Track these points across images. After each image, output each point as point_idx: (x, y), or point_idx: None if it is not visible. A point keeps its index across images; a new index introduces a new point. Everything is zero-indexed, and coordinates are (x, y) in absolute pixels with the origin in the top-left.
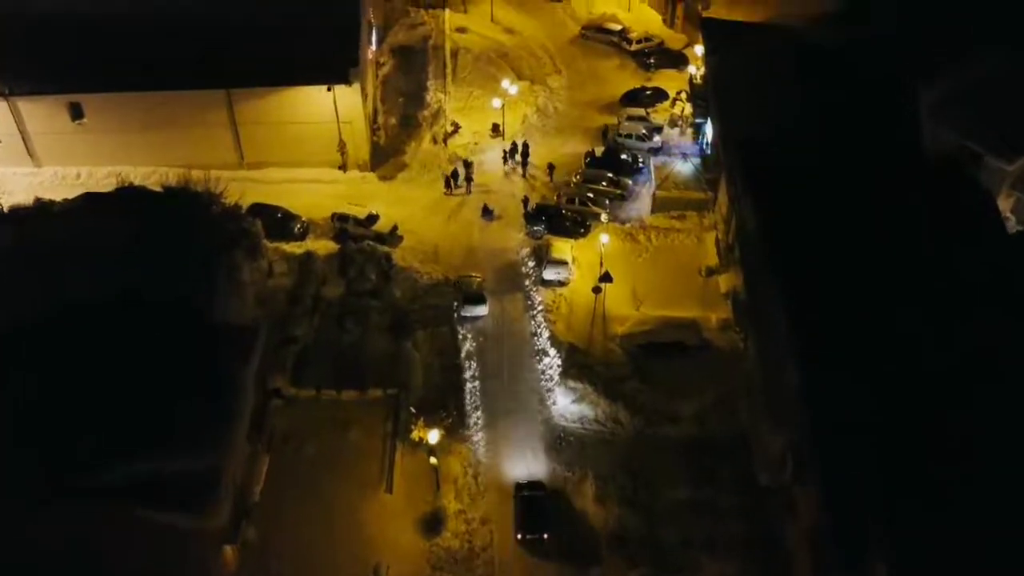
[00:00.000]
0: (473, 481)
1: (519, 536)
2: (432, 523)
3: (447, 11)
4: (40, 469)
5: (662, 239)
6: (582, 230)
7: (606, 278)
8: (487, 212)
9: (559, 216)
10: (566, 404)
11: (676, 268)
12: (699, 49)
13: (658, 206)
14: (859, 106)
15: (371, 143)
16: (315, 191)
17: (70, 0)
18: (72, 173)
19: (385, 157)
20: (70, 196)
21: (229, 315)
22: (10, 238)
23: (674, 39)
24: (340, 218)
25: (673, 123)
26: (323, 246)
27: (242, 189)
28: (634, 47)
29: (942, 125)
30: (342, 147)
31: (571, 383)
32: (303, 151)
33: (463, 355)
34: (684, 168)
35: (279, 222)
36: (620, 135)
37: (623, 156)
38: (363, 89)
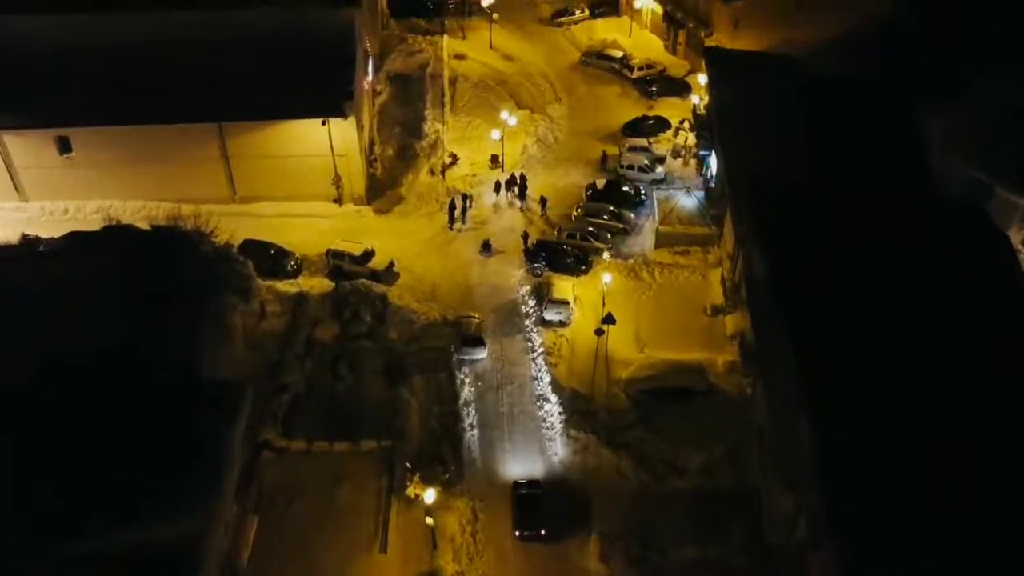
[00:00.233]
0: (471, 539)
1: (517, 533)
2: None
3: (445, 37)
4: (8, 536)
5: (666, 276)
6: (583, 267)
7: (609, 320)
8: (486, 248)
9: (560, 253)
10: (568, 455)
11: (681, 307)
12: (702, 78)
13: (661, 241)
14: (868, 140)
15: (367, 175)
16: (309, 226)
17: (57, 32)
18: (60, 208)
19: (381, 190)
20: (57, 232)
21: (218, 366)
22: None
23: (676, 66)
24: (335, 255)
25: (676, 153)
26: (317, 283)
27: (234, 224)
28: (636, 74)
29: (953, 156)
30: (337, 181)
31: (573, 432)
32: (297, 185)
33: (461, 402)
34: (688, 202)
35: (272, 259)
36: (622, 166)
37: (625, 188)
38: (359, 121)
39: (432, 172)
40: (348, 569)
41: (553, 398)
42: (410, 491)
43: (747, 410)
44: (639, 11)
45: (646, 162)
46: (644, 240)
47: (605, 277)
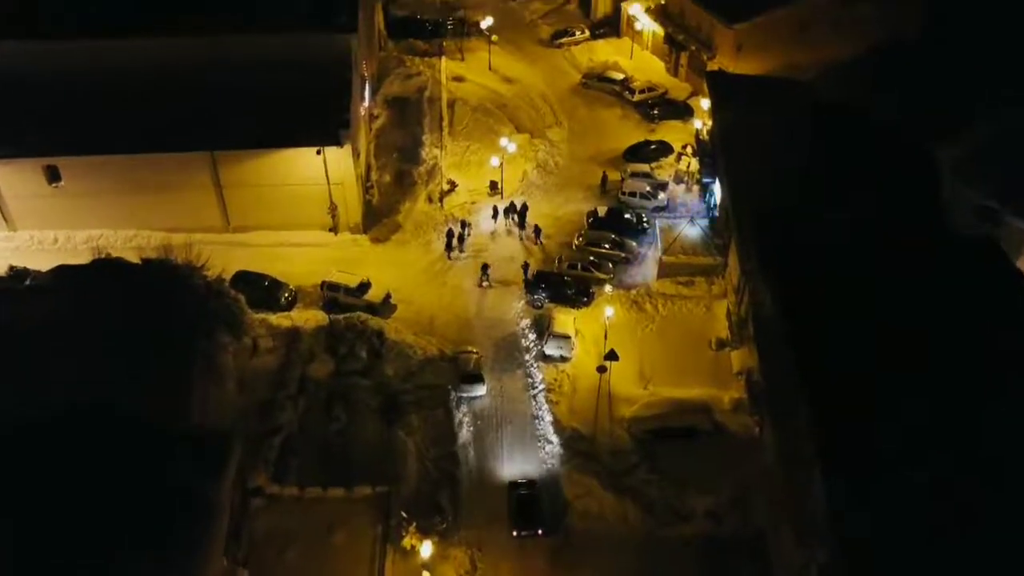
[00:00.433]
0: None
1: (515, 533)
2: None
3: (443, 59)
4: None
5: (669, 307)
6: (585, 299)
7: (611, 356)
8: (485, 272)
9: (560, 284)
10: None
11: (685, 340)
12: (705, 102)
13: (665, 271)
14: (877, 169)
15: (364, 202)
16: (304, 255)
17: (45, 59)
18: (49, 237)
19: (378, 217)
20: (46, 262)
21: (208, 409)
22: None
23: (678, 88)
24: (330, 287)
25: (679, 179)
26: (312, 316)
27: (227, 254)
28: (637, 97)
29: (962, 183)
30: (333, 209)
31: (575, 476)
32: (292, 214)
33: (459, 443)
34: (692, 231)
35: (265, 291)
36: (623, 193)
37: (627, 215)
38: (355, 148)
39: (430, 199)
40: None
41: (554, 439)
42: (406, 542)
43: (754, 451)
44: (640, 32)
45: (648, 189)
46: (647, 270)
47: (607, 311)
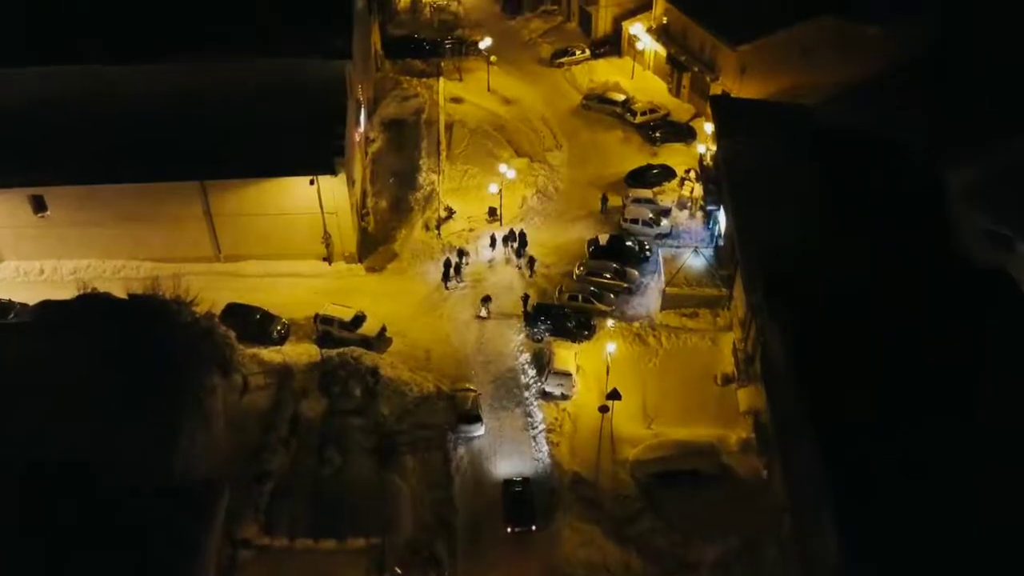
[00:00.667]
0: None
1: (508, 529)
2: None
3: (441, 80)
4: None
5: (673, 341)
6: (586, 332)
7: (614, 395)
8: (486, 308)
9: (561, 317)
10: (571, 551)
11: (689, 375)
12: (708, 126)
13: (668, 303)
14: (886, 197)
15: (359, 230)
16: (297, 286)
17: (30, 86)
18: (35, 268)
19: (374, 245)
20: (32, 293)
21: (195, 455)
22: None
23: (680, 110)
24: (324, 320)
25: (682, 205)
26: (304, 351)
27: (218, 284)
28: (638, 119)
29: (973, 209)
30: (327, 239)
31: (576, 524)
32: (285, 243)
33: (456, 487)
34: (696, 262)
35: (257, 325)
36: (625, 220)
37: (628, 243)
38: (350, 176)
39: (427, 227)
40: None
41: (555, 484)
42: None
43: (763, 495)
44: (642, 52)
45: (651, 216)
46: (649, 300)
47: (609, 347)
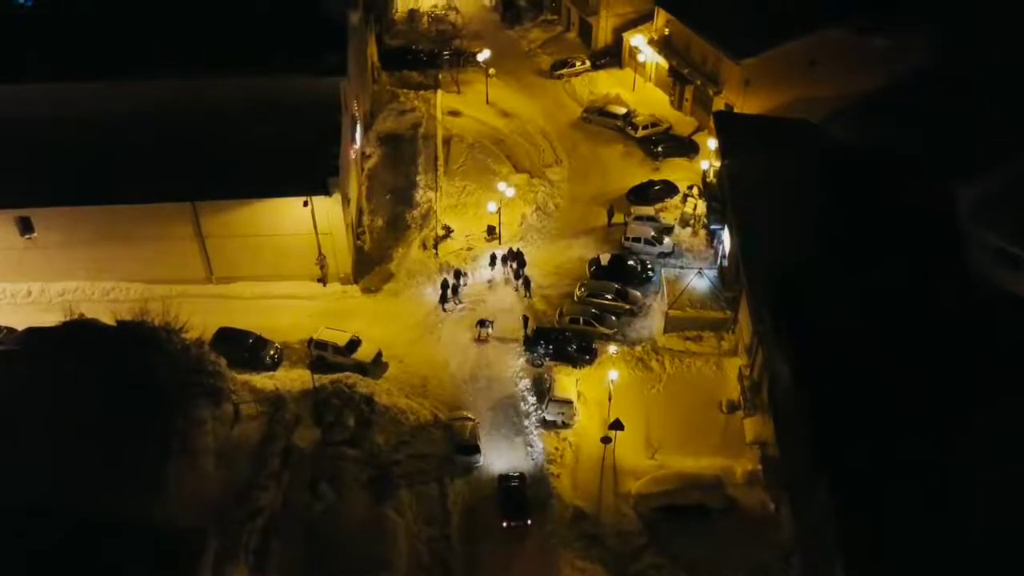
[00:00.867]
0: None
1: (504, 524)
2: None
3: (439, 93)
4: None
5: (677, 365)
6: (587, 356)
7: (616, 426)
8: (486, 331)
9: (561, 341)
10: None
11: (693, 402)
12: (712, 142)
13: (671, 326)
14: (897, 219)
15: (355, 249)
16: (291, 308)
17: (15, 105)
18: (22, 290)
19: (370, 265)
20: (19, 316)
21: (183, 494)
22: None
23: (683, 123)
24: (317, 345)
25: (685, 223)
26: (298, 376)
27: (210, 307)
28: (640, 133)
29: (984, 226)
30: (321, 260)
31: (578, 563)
32: (278, 264)
33: (454, 523)
34: (699, 283)
35: (249, 349)
36: (627, 238)
37: (630, 262)
38: (345, 195)
39: (424, 246)
40: None
41: (555, 518)
42: None
43: (770, 530)
44: (643, 64)
45: (653, 234)
46: (652, 323)
47: (611, 374)
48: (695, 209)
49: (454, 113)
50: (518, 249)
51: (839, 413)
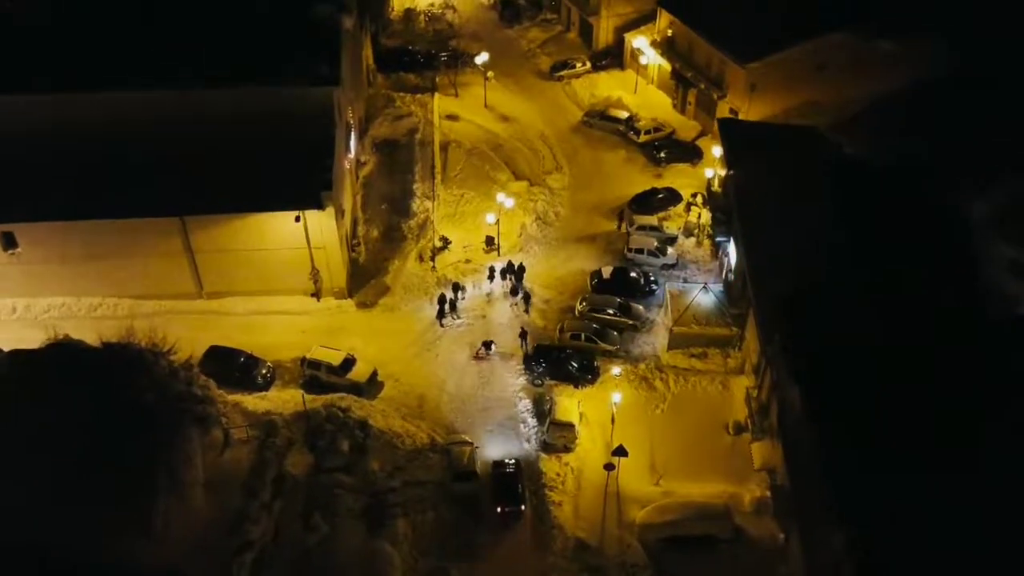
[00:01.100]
0: None
1: (498, 510)
2: None
3: (436, 96)
4: None
5: (682, 384)
6: (589, 376)
7: (620, 452)
8: (487, 351)
9: (562, 360)
10: None
11: (699, 423)
12: (717, 149)
13: (676, 343)
14: (909, 232)
15: (350, 261)
16: (284, 324)
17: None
18: (7, 306)
19: (365, 278)
20: (3, 334)
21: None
22: None
23: (686, 127)
24: (311, 364)
25: (688, 232)
26: (290, 397)
27: (200, 323)
28: (642, 138)
29: (996, 238)
30: (315, 275)
31: None
32: (271, 279)
33: (452, 555)
34: (705, 299)
35: (241, 368)
36: (630, 250)
37: (632, 274)
38: (339, 208)
39: (421, 258)
40: None
41: (557, 550)
42: None
43: (780, 563)
44: (645, 66)
45: (656, 245)
46: (656, 338)
47: (615, 397)
48: (699, 218)
49: (451, 117)
50: (519, 264)
51: (853, 446)
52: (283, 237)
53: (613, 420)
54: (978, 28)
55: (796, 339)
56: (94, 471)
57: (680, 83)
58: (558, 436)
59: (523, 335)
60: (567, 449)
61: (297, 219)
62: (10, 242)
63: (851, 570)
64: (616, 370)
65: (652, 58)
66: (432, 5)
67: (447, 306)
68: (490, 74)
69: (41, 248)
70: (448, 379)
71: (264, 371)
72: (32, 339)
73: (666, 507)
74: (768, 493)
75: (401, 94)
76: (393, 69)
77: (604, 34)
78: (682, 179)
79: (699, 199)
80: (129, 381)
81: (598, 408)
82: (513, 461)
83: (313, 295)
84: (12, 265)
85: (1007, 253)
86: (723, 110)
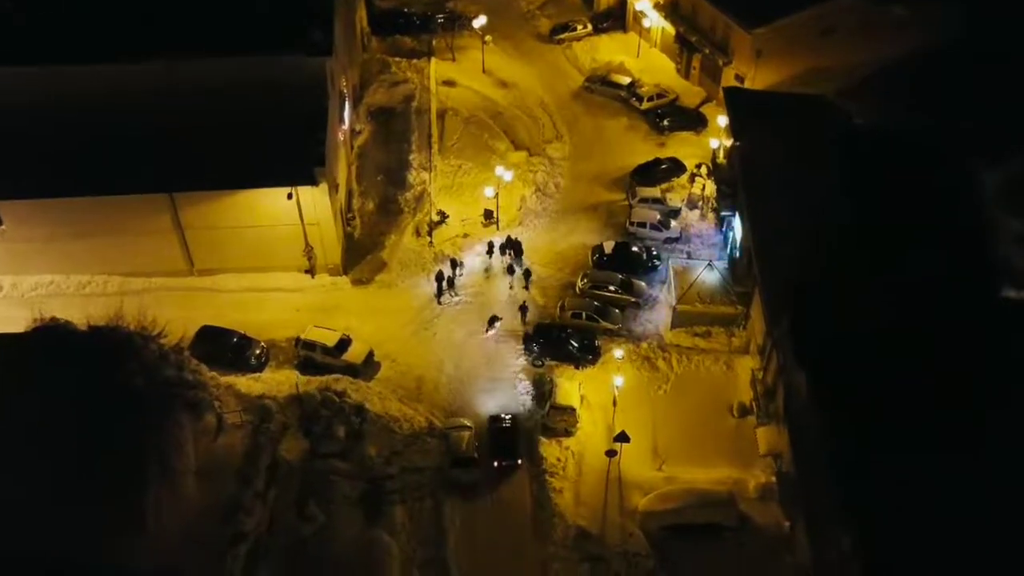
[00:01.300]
0: None
1: (495, 463)
2: None
3: (433, 61)
4: None
5: (685, 364)
6: (590, 356)
7: (622, 438)
8: (492, 325)
9: (562, 340)
10: None
11: (703, 404)
12: (722, 119)
13: (679, 321)
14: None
15: (345, 236)
16: (278, 301)
17: None
18: None
19: (360, 253)
20: None
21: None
22: None
23: (690, 93)
24: (305, 345)
25: (692, 204)
26: (285, 378)
27: (192, 301)
28: (645, 105)
29: (1008, 211)
30: (308, 251)
31: None
32: (264, 255)
33: (450, 545)
34: (709, 276)
35: (234, 349)
36: (632, 223)
37: (634, 248)
38: (332, 182)
39: (418, 232)
40: None
41: (557, 539)
42: None
43: (785, 551)
44: (648, 29)
45: (659, 218)
46: (658, 316)
47: (617, 381)
48: (703, 190)
49: (448, 83)
50: (516, 239)
51: (861, 435)
52: (275, 213)
53: (615, 403)
54: None
55: (803, 324)
56: (82, 463)
57: (684, 47)
58: (559, 420)
59: (523, 309)
60: (568, 433)
61: (289, 196)
62: None
63: (858, 570)
64: (619, 353)
65: (655, 21)
66: None
67: (445, 283)
68: (488, 38)
69: (26, 226)
70: (446, 359)
71: (257, 351)
72: (19, 318)
73: (669, 494)
74: (773, 479)
75: (397, 59)
76: (388, 32)
77: None
78: (686, 148)
79: (703, 170)
80: (118, 366)
81: (599, 390)
82: (509, 416)
83: (307, 271)
84: None
85: (1017, 228)
86: (728, 76)
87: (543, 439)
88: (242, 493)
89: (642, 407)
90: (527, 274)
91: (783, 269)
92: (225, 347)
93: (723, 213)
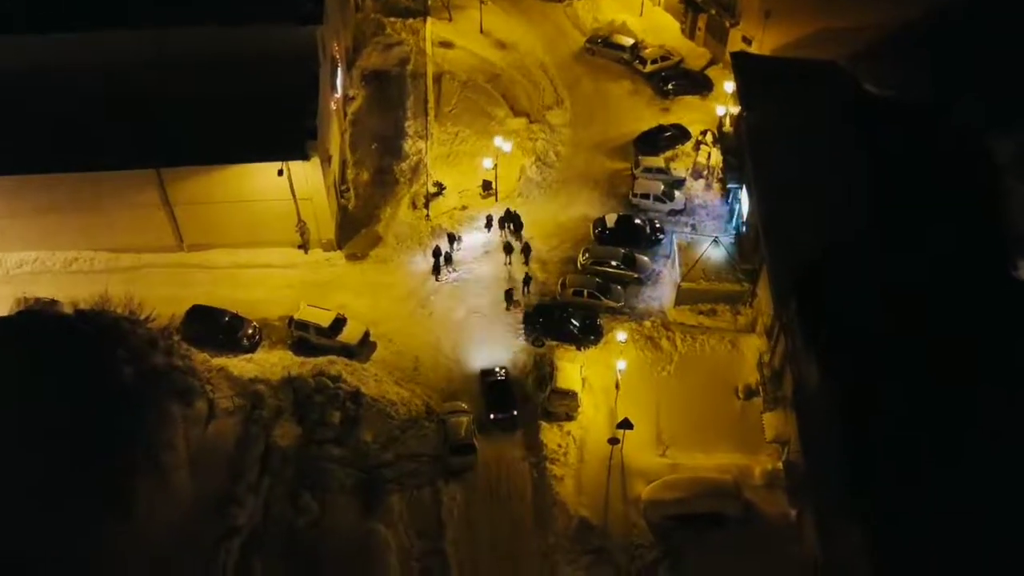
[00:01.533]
0: None
1: (491, 416)
2: None
3: (429, 22)
4: None
5: (689, 343)
6: (592, 336)
7: (625, 424)
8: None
9: (563, 320)
10: None
11: (707, 386)
12: (728, 85)
13: (683, 298)
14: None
15: (339, 208)
16: (270, 278)
17: None
18: None
19: (355, 227)
20: None
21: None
22: None
23: (695, 54)
24: (299, 325)
25: (697, 174)
26: (278, 360)
27: (181, 278)
28: (648, 67)
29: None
30: (301, 227)
31: None
32: (255, 230)
33: (449, 537)
34: (715, 252)
35: (225, 329)
36: (635, 194)
37: (637, 221)
38: (325, 155)
39: (414, 205)
40: None
41: (558, 529)
42: None
43: (791, 541)
44: None
45: (663, 189)
46: (662, 292)
47: (620, 365)
48: (709, 159)
49: (445, 44)
50: (516, 213)
51: (874, 430)
52: (266, 189)
53: (618, 386)
54: None
55: (814, 307)
56: (69, 455)
57: (689, 7)
58: (559, 404)
59: (526, 281)
60: (569, 418)
61: (280, 173)
62: None
63: (868, 563)
64: (622, 336)
65: None
66: None
67: (442, 258)
68: None
69: (8, 201)
70: (443, 339)
71: (250, 331)
72: (3, 296)
73: (673, 483)
74: (780, 465)
75: (391, 19)
76: None
77: None
78: (691, 114)
79: (709, 137)
80: (104, 354)
81: (601, 372)
82: (502, 368)
83: (300, 247)
84: None
85: None
86: (735, 38)
87: (543, 424)
88: (235, 481)
89: (645, 389)
90: (527, 249)
91: (792, 248)
92: (216, 327)
93: (729, 185)
